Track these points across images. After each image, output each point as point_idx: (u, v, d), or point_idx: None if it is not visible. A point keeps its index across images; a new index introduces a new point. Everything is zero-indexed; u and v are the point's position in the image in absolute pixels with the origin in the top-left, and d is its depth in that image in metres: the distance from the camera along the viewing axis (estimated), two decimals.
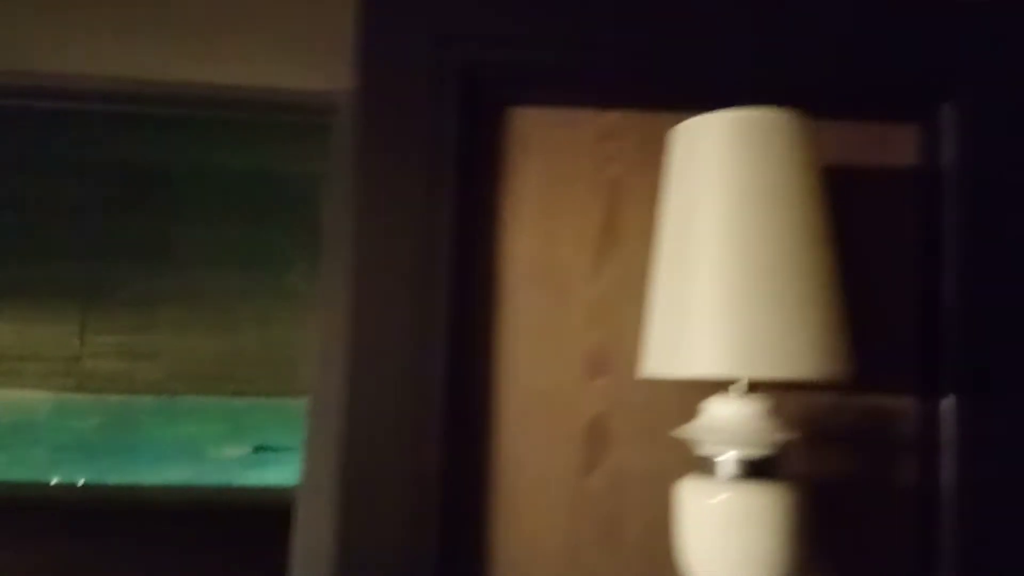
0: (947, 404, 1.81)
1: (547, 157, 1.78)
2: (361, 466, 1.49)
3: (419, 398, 1.55)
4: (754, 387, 1.59)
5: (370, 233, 1.48)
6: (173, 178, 5.65)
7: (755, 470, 1.56)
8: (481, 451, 1.69)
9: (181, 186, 5.66)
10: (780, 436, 1.56)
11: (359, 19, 1.43)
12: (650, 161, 1.84)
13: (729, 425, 1.56)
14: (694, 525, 1.57)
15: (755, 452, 1.56)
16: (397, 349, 1.51)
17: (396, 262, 1.50)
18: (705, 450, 1.59)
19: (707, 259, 1.54)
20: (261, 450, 4.47)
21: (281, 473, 4.16)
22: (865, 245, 1.87)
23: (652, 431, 1.84)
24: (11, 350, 5.68)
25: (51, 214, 5.64)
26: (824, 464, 1.80)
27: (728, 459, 1.57)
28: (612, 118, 1.82)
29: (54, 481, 3.43)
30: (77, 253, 5.51)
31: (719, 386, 1.65)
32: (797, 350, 1.51)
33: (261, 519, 2.34)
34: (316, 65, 1.57)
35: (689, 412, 1.79)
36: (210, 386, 5.60)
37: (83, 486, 3.44)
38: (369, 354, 1.48)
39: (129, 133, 5.08)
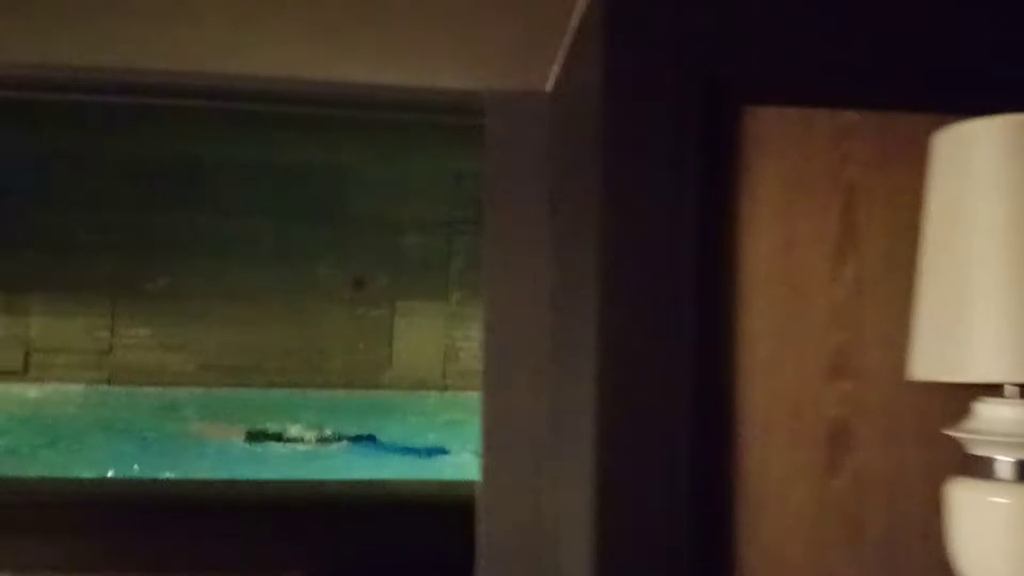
0: None
1: (784, 157, 1.77)
2: (612, 471, 1.48)
3: (667, 401, 1.54)
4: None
5: (617, 236, 1.46)
6: (204, 172, 5.61)
7: None
8: (727, 453, 1.68)
9: (212, 180, 5.61)
10: None
11: (602, 20, 1.41)
12: (889, 162, 1.84)
13: (1011, 428, 1.57)
14: (970, 527, 1.58)
15: None
16: (644, 354, 1.50)
17: (642, 264, 1.48)
18: (979, 451, 1.60)
19: (987, 264, 1.54)
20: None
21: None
22: None
23: (895, 432, 1.84)
24: (43, 342, 5.61)
25: (82, 207, 5.57)
26: None
27: (1009, 462, 1.58)
28: (849, 118, 1.82)
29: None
30: (108, 246, 5.45)
31: (977, 389, 1.66)
32: None
33: (437, 514, 2.32)
34: (463, 65, 1.55)
35: (932, 413, 1.80)
36: (241, 378, 5.56)
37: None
38: (617, 356, 1.46)
39: (161, 128, 5.01)
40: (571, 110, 1.52)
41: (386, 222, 5.82)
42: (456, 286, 5.84)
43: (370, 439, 4.36)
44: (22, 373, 5.47)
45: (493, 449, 1.56)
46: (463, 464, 4.08)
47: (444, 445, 4.27)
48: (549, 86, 1.53)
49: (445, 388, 5.64)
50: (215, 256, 5.45)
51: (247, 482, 3.54)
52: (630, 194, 1.48)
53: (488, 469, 1.56)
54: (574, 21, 1.41)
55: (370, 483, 3.68)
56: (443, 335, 5.80)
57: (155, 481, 3.63)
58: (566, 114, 1.55)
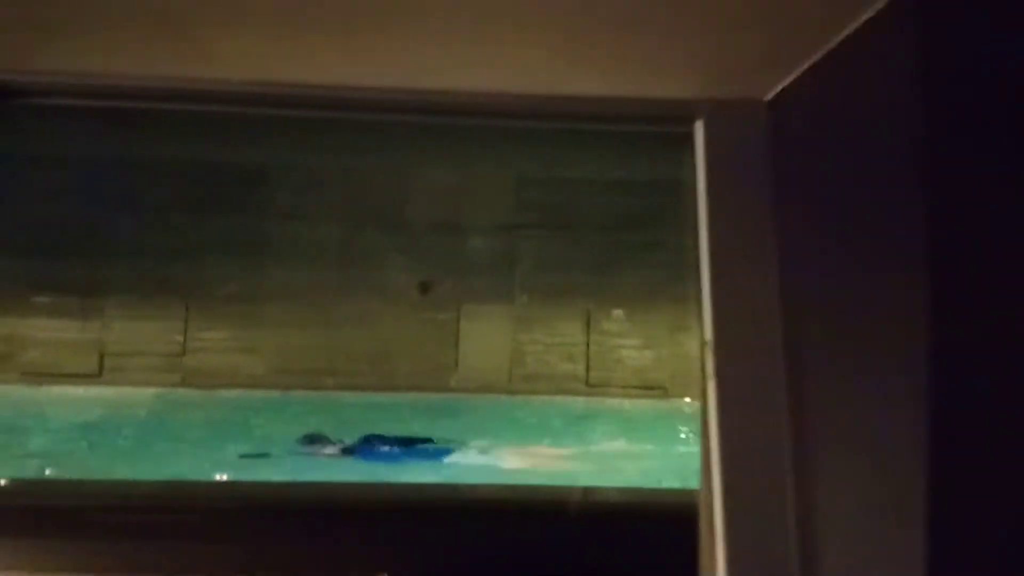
0: None
1: None
2: (946, 502, 1.38)
3: (1006, 425, 1.45)
4: None
5: (950, 264, 1.38)
6: (273, 178, 5.69)
7: None
8: None
9: (281, 186, 5.69)
10: None
11: (911, 38, 1.37)
12: None
13: None
14: None
15: None
16: (978, 374, 1.40)
17: (975, 280, 1.40)
18: None
19: None
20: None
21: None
22: None
23: None
24: (117, 346, 5.70)
25: (155, 212, 5.66)
26: None
27: None
28: None
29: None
30: (180, 251, 5.53)
31: None
32: None
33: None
34: (678, 75, 1.56)
35: None
36: (312, 381, 5.63)
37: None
38: (951, 377, 1.37)
39: (232, 135, 5.08)
40: (825, 122, 1.52)
41: (451, 226, 5.90)
42: (522, 289, 5.90)
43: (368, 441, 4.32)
44: (97, 376, 5.56)
45: (728, 462, 1.55)
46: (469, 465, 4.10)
47: (449, 445, 4.29)
48: (770, 95, 1.54)
49: (513, 392, 5.68)
50: (285, 260, 5.53)
51: (329, 484, 3.59)
52: (960, 209, 1.40)
53: (723, 482, 1.55)
54: (845, 31, 1.40)
55: (457, 487, 3.73)
56: (509, 338, 5.87)
57: (234, 483, 3.69)
58: (810, 125, 1.55)
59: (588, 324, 5.91)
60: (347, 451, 4.10)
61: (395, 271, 5.73)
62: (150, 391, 5.28)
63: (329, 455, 4.06)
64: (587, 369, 5.83)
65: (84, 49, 1.20)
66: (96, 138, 4.95)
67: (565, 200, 6.07)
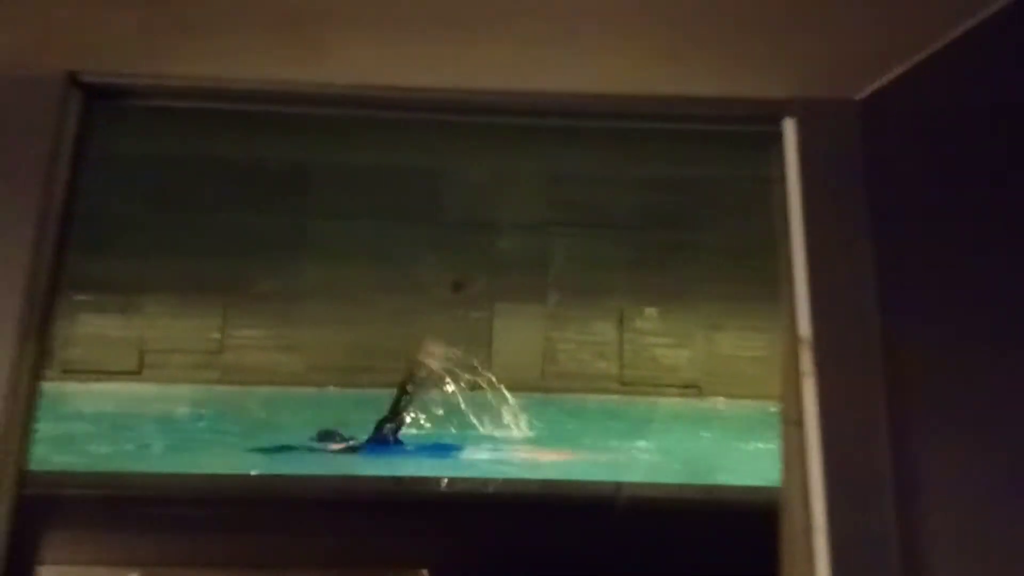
0: None
1: None
2: None
3: None
4: None
5: None
6: (310, 177, 5.73)
7: None
8: None
9: (317, 184, 5.74)
10: None
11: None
12: None
13: None
14: None
15: None
16: None
17: None
18: None
19: None
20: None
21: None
22: None
23: None
24: (156, 344, 5.76)
25: (194, 210, 5.71)
26: None
27: None
28: None
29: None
30: (218, 249, 5.58)
31: None
32: None
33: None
34: (769, 74, 1.57)
35: None
36: (347, 378, 5.66)
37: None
38: None
39: (267, 134, 5.12)
40: (923, 123, 1.49)
41: (483, 224, 5.92)
42: (554, 288, 5.92)
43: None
44: (137, 373, 5.63)
45: (830, 459, 1.55)
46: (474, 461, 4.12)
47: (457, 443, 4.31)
48: (862, 94, 1.53)
49: (546, 390, 5.69)
50: (321, 259, 5.58)
51: (372, 479, 3.63)
52: None
53: (826, 478, 1.54)
54: (948, 35, 1.39)
55: (501, 481, 3.76)
56: (542, 337, 5.90)
57: (277, 477, 3.73)
58: (906, 125, 1.53)
59: (621, 322, 5.93)
60: (354, 448, 4.13)
61: (429, 269, 5.77)
62: (188, 388, 5.34)
63: (335, 451, 4.10)
64: (620, 367, 5.86)
65: (193, 53, 1.25)
66: (137, 136, 4.99)
67: (598, 198, 6.08)
